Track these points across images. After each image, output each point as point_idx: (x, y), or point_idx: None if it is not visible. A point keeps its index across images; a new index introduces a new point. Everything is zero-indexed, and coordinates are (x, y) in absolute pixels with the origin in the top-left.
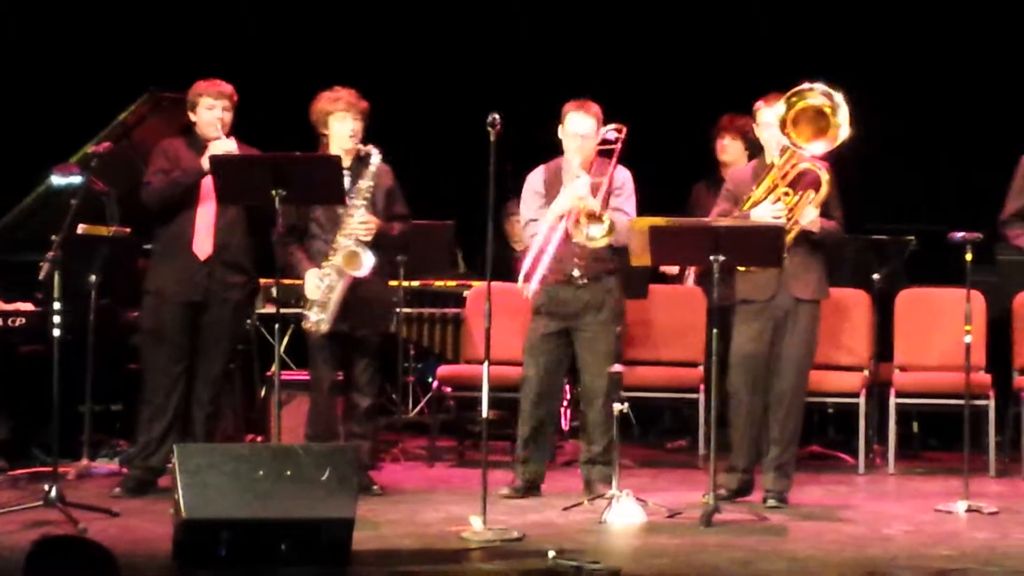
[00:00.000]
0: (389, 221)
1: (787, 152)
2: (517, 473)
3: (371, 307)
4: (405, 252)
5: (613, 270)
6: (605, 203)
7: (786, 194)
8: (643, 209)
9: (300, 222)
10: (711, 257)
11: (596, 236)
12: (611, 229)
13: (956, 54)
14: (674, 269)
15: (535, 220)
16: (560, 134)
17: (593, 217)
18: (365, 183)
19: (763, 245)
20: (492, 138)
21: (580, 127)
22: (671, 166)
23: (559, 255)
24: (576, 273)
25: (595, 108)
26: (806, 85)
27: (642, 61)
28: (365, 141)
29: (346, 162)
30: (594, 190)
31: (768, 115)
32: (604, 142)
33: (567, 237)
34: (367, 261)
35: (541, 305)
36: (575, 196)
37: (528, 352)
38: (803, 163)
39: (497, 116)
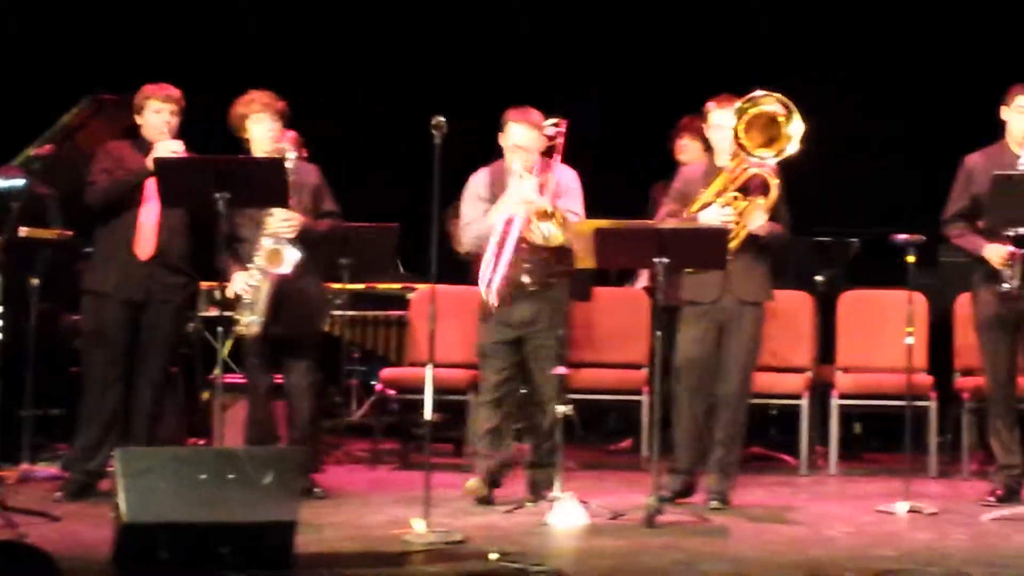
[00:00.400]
0: (317, 219)
1: (738, 156)
2: (480, 467)
3: (304, 308)
4: (346, 253)
5: (561, 275)
6: (553, 201)
7: (735, 198)
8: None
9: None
10: (655, 259)
11: (552, 234)
12: (565, 225)
13: (900, 57)
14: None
15: (474, 223)
16: (501, 141)
17: (545, 215)
18: None
19: (707, 247)
20: (437, 140)
21: (521, 139)
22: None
23: (507, 262)
24: (526, 280)
25: (536, 116)
26: (761, 92)
27: (613, 62)
28: (310, 143)
29: None
30: (540, 190)
31: (719, 117)
32: (548, 140)
33: (515, 244)
34: (290, 257)
35: (490, 314)
36: (521, 198)
37: (483, 358)
38: (753, 168)
39: (442, 119)
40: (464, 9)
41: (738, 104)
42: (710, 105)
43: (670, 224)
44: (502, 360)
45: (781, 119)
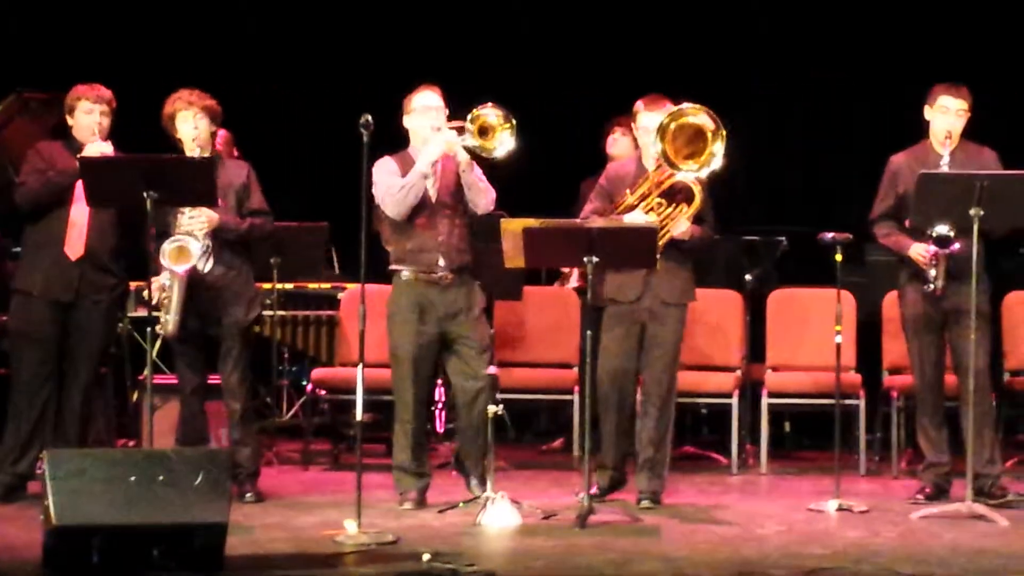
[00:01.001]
0: (243, 217)
1: (661, 165)
2: (410, 485)
3: (225, 309)
4: (276, 253)
5: (472, 267)
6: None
7: (659, 204)
8: None
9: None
10: (585, 258)
11: (498, 146)
12: (509, 138)
13: (826, 56)
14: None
15: (394, 185)
16: (407, 122)
17: (484, 132)
18: None
19: (637, 246)
20: (365, 139)
21: (429, 100)
22: None
23: (419, 246)
24: (441, 263)
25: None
26: (689, 105)
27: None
28: (241, 142)
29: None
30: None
31: (647, 119)
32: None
33: (427, 223)
34: (194, 251)
35: (403, 310)
36: (444, 140)
37: (401, 366)
38: (679, 175)
39: (370, 117)
40: (393, 6)
41: (662, 120)
42: (639, 105)
43: (599, 223)
44: (423, 363)
45: (709, 133)
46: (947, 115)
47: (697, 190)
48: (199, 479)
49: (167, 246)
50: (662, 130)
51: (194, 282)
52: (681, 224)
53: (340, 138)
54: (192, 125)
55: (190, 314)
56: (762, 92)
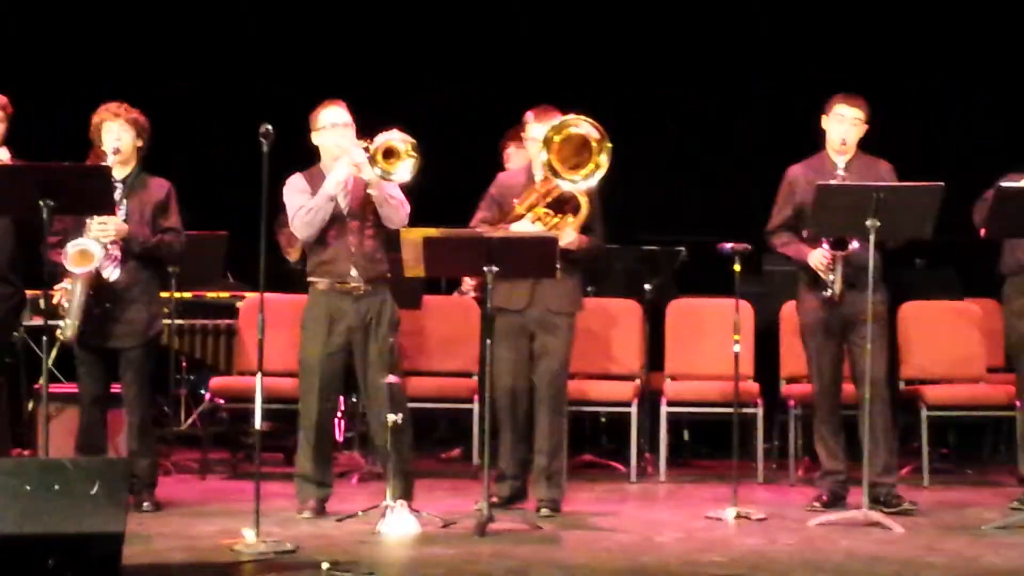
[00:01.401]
0: (156, 234)
1: (548, 176)
2: (311, 494)
3: (128, 320)
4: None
5: (387, 277)
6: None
7: (546, 214)
8: None
9: (76, 230)
10: (484, 268)
11: (398, 172)
12: (411, 167)
13: (722, 68)
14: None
15: (303, 207)
16: (315, 139)
17: (390, 155)
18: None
19: (536, 256)
20: (265, 149)
21: (337, 117)
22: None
23: (332, 257)
24: (353, 274)
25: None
26: (572, 116)
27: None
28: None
29: (121, 173)
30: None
31: (534, 130)
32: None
33: (338, 235)
34: (96, 253)
35: (315, 319)
36: (351, 162)
37: (307, 371)
38: (567, 184)
39: (269, 127)
40: (304, 12)
41: (546, 132)
42: (528, 116)
43: (499, 232)
44: (328, 373)
45: (594, 143)
46: (843, 123)
47: (584, 201)
48: (95, 488)
49: (70, 248)
50: (547, 142)
51: (98, 291)
52: (567, 234)
53: (240, 147)
54: (115, 136)
55: (92, 323)
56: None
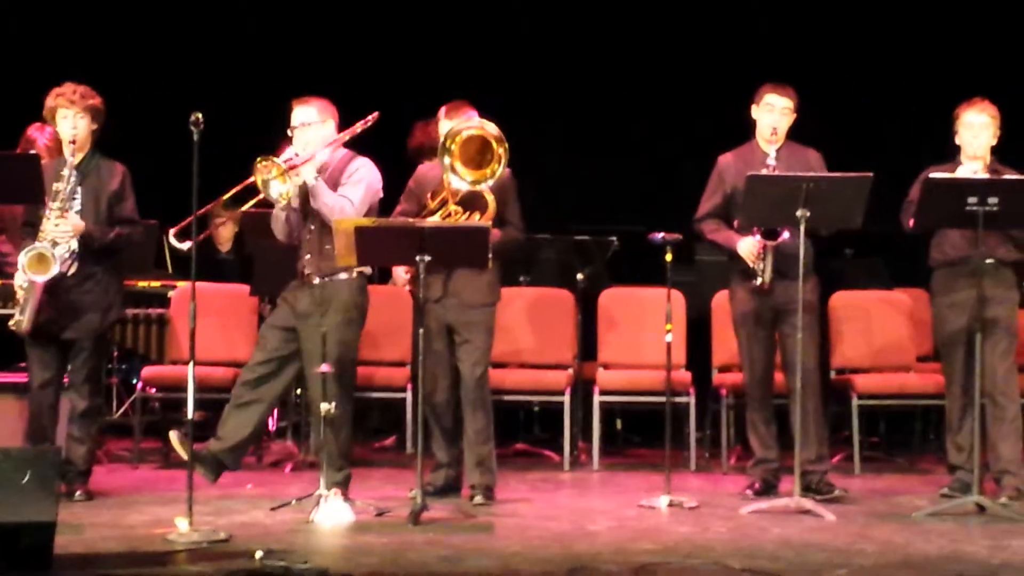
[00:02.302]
0: (112, 225)
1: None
2: (207, 470)
3: (83, 312)
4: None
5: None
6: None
7: (456, 211)
8: None
9: (35, 219)
10: (417, 257)
11: (280, 192)
12: (288, 194)
13: (653, 58)
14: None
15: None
16: (290, 132)
17: (279, 172)
18: (60, 184)
19: (469, 246)
20: (195, 138)
21: (295, 119)
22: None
23: (301, 250)
24: (308, 269)
25: (316, 100)
26: (465, 125)
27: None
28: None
29: (76, 159)
30: (323, 172)
31: (444, 127)
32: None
33: (303, 228)
34: (55, 261)
35: (283, 299)
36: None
37: (259, 338)
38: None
39: (200, 116)
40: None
41: (443, 140)
42: (441, 111)
43: (432, 222)
44: (272, 342)
45: (493, 142)
46: (772, 113)
47: (490, 198)
48: (26, 478)
49: (24, 256)
50: (444, 149)
51: (54, 283)
52: None
53: (171, 136)
54: (71, 125)
55: (47, 315)
56: (594, 95)
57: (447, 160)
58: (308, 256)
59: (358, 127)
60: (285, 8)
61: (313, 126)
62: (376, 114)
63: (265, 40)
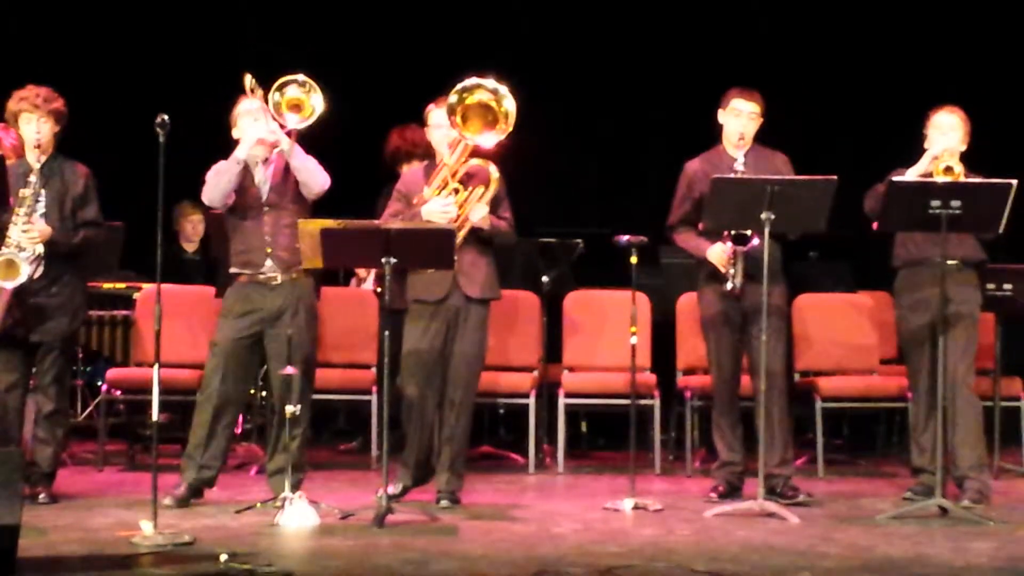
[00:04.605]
0: (76, 228)
1: (458, 148)
2: (184, 479)
3: (51, 315)
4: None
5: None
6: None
7: (456, 191)
8: None
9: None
10: (383, 259)
11: (314, 110)
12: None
13: (621, 62)
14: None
15: (214, 169)
16: (235, 133)
17: (300, 108)
18: (27, 191)
19: (434, 247)
20: (161, 139)
21: (250, 105)
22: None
23: (247, 247)
24: (268, 264)
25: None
26: (474, 80)
27: None
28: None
29: (39, 163)
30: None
31: (438, 116)
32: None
33: (255, 225)
34: (23, 266)
35: (230, 308)
36: (264, 129)
37: (214, 357)
38: (473, 161)
39: (166, 117)
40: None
41: (449, 100)
42: (430, 107)
43: (397, 224)
44: (236, 360)
45: (493, 103)
46: (740, 118)
47: (494, 174)
48: None
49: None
50: (457, 97)
51: (20, 287)
52: (479, 210)
53: (137, 137)
54: (35, 129)
55: (14, 317)
56: (561, 95)
57: (456, 129)
58: (268, 252)
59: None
60: (271, 5)
61: (263, 112)
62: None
63: (235, 38)
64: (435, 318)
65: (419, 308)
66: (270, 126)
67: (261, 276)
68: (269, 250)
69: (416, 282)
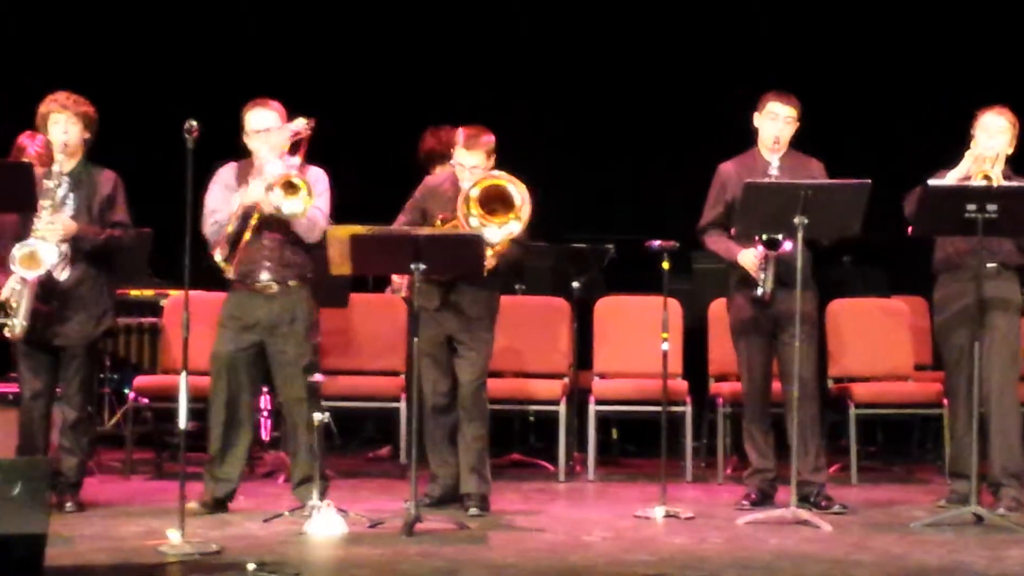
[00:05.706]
0: (106, 228)
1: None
2: (207, 489)
3: (76, 319)
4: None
5: (306, 278)
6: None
7: (482, 215)
8: None
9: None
10: (412, 266)
11: (293, 209)
12: (308, 197)
13: (653, 66)
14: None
15: (218, 212)
16: (244, 138)
17: (290, 188)
18: (51, 183)
19: (463, 254)
20: (189, 145)
21: (259, 122)
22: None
23: (247, 257)
24: (265, 276)
25: (275, 104)
26: (497, 173)
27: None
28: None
29: (68, 166)
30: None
31: (462, 157)
32: (295, 135)
33: (254, 236)
34: (47, 260)
35: (229, 317)
36: (261, 192)
37: (216, 369)
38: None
39: (194, 122)
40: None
41: (468, 191)
42: (459, 136)
43: (426, 230)
44: (237, 372)
45: (515, 199)
46: (776, 121)
47: (518, 193)
48: (17, 489)
49: (16, 251)
50: (466, 198)
51: (46, 289)
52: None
53: (165, 143)
54: (63, 129)
55: (39, 320)
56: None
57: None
58: (267, 264)
59: (302, 132)
60: (280, 13)
61: (274, 131)
62: (312, 120)
63: (260, 46)
64: (438, 328)
65: (425, 316)
66: (289, 162)
67: (257, 285)
68: (268, 263)
69: (419, 288)
